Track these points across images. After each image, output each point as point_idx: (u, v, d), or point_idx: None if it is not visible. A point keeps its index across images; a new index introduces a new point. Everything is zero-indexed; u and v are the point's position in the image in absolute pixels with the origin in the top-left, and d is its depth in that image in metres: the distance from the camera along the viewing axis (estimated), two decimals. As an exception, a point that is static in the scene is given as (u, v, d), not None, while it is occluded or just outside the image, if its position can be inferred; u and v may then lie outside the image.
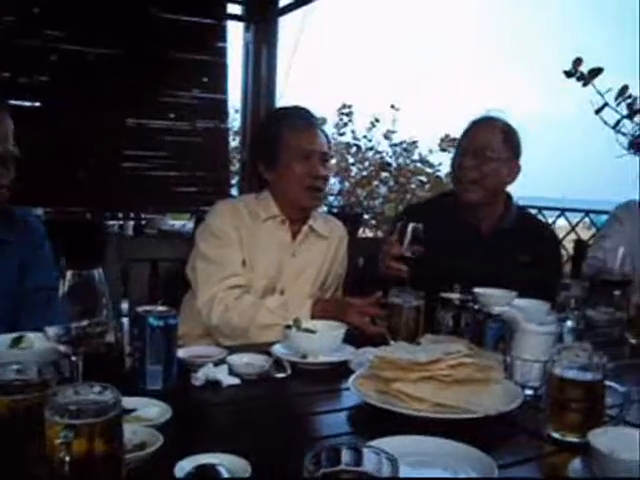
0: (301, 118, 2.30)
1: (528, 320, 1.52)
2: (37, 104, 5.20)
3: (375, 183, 8.79)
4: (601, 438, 1.08)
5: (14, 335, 1.58)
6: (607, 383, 1.28)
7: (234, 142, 7.39)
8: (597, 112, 4.03)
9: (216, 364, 1.57)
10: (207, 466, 1.03)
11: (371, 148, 8.87)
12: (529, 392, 1.47)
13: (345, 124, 8.94)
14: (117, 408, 0.89)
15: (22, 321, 1.82)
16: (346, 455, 0.80)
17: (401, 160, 8.90)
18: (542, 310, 1.75)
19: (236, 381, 1.53)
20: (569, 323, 1.80)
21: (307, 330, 1.78)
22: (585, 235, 5.27)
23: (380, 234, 8.04)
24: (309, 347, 1.71)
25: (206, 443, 1.15)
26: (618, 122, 4.09)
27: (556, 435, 1.27)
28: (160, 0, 5.46)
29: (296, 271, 2.27)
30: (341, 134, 8.92)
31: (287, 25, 6.12)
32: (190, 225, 6.61)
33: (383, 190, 8.80)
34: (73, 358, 1.22)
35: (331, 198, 8.64)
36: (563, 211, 6.11)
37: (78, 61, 5.19)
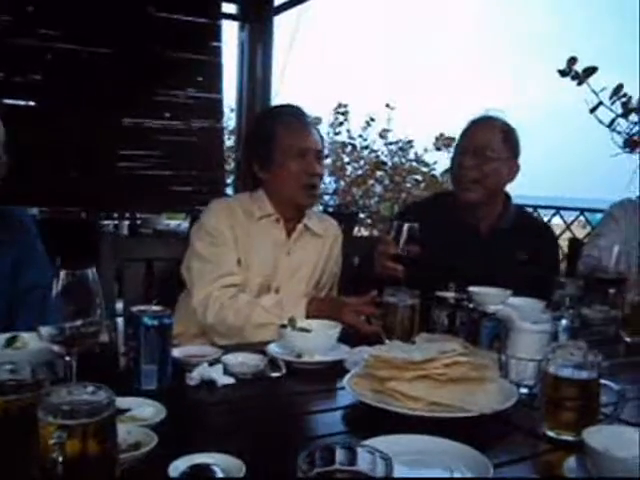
0: (294, 116, 2.31)
1: (523, 319, 1.52)
2: (31, 103, 5.18)
3: (370, 182, 8.78)
4: (596, 436, 1.08)
5: (8, 335, 1.57)
6: (602, 381, 1.28)
7: (229, 141, 7.39)
8: (592, 111, 4.04)
9: (211, 364, 1.57)
10: (201, 466, 1.03)
11: (366, 147, 8.87)
12: (524, 391, 1.47)
13: (341, 123, 8.94)
14: (111, 408, 0.89)
15: (16, 321, 1.82)
16: (340, 454, 0.80)
17: (396, 159, 8.90)
18: (537, 309, 1.76)
19: (231, 380, 1.53)
20: (564, 321, 1.80)
21: (302, 329, 1.78)
22: (580, 234, 5.28)
23: (376, 233, 8.03)
24: (304, 346, 1.71)
25: (201, 443, 1.15)
26: (613, 121, 4.09)
27: (551, 433, 1.27)
28: (154, -1, 5.46)
29: (291, 269, 2.27)
30: (337, 133, 8.92)
31: (282, 24, 6.12)
32: (185, 224, 6.62)
33: (378, 189, 8.79)
34: (67, 358, 1.22)
35: (326, 197, 8.64)
36: (558, 209, 6.12)
37: (73, 60, 5.17)
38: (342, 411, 1.41)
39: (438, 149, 8.62)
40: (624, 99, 4.03)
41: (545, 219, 5.70)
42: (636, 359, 1.93)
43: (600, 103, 4.02)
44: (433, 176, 8.67)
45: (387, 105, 8.76)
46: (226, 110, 6.44)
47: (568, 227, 5.97)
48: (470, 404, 1.30)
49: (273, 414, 1.42)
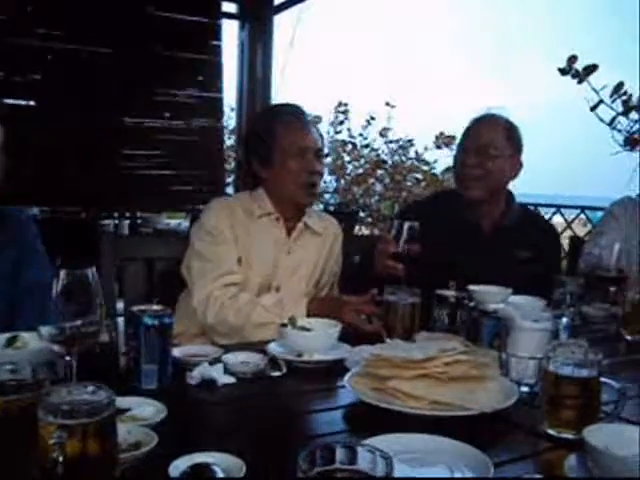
0: (294, 115, 2.31)
1: (523, 317, 1.52)
2: (32, 103, 5.18)
3: (371, 181, 8.77)
4: (596, 434, 1.08)
5: (8, 335, 1.57)
6: (602, 379, 1.28)
7: (229, 141, 7.38)
8: (592, 109, 4.04)
9: (211, 363, 1.57)
10: (202, 465, 1.02)
11: (367, 146, 8.86)
12: (525, 389, 1.47)
13: (341, 122, 8.93)
14: (111, 408, 0.89)
15: (16, 321, 1.82)
16: (340, 454, 0.80)
17: (397, 158, 8.89)
18: (537, 307, 1.76)
19: (231, 380, 1.53)
20: (564, 320, 1.80)
21: (302, 328, 1.78)
22: (581, 232, 5.27)
23: (376, 232, 8.03)
24: (304, 345, 1.71)
25: (201, 442, 1.15)
26: (613, 119, 4.09)
27: (552, 432, 1.27)
28: (155, -2, 5.45)
29: (291, 268, 2.27)
30: (337, 132, 8.92)
31: (282, 23, 6.11)
32: (186, 224, 6.61)
33: (379, 188, 8.78)
34: (67, 358, 1.22)
35: (327, 196, 8.64)
36: (559, 208, 6.11)
37: (73, 60, 5.17)
38: (342, 410, 1.41)
39: (438, 147, 8.61)
40: (625, 97, 4.03)
41: (546, 217, 5.70)
42: (637, 357, 1.92)
43: (600, 101, 4.02)
44: (434, 175, 8.67)
45: (387, 103, 8.75)
46: (226, 109, 6.45)
47: (569, 225, 5.97)
48: (471, 403, 1.30)
49: (273, 413, 1.42)
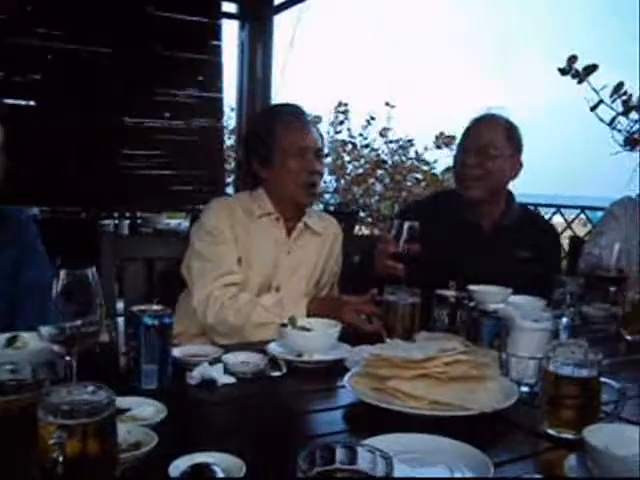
0: (294, 115, 2.31)
1: (524, 317, 1.52)
2: (32, 103, 5.18)
3: (371, 181, 8.78)
4: (596, 434, 1.08)
5: (8, 335, 1.57)
6: (602, 379, 1.28)
7: (229, 141, 7.38)
8: (592, 109, 4.04)
9: (211, 363, 1.57)
10: (202, 465, 1.02)
11: (367, 146, 8.86)
12: (525, 389, 1.47)
13: (341, 122, 8.93)
14: (111, 408, 0.89)
15: (16, 321, 1.82)
16: (340, 453, 0.80)
17: (397, 158, 8.90)
18: (538, 307, 1.76)
19: (231, 380, 1.53)
20: (565, 320, 1.80)
21: (302, 328, 1.78)
22: (581, 232, 5.27)
23: (376, 232, 8.03)
24: (304, 345, 1.71)
25: (201, 442, 1.15)
26: (613, 119, 4.09)
27: (552, 432, 1.27)
28: (155, -2, 5.45)
29: (291, 268, 2.27)
30: (337, 132, 8.92)
31: (282, 23, 6.12)
32: (186, 224, 6.61)
33: (379, 188, 8.79)
34: (67, 358, 1.22)
35: (327, 196, 8.65)
36: (559, 208, 6.11)
37: (73, 59, 5.17)
38: (342, 410, 1.41)
39: (438, 147, 8.61)
40: (624, 97, 4.03)
41: (546, 217, 5.70)
42: (637, 357, 1.92)
43: (600, 101, 4.02)
44: (434, 174, 8.67)
45: (387, 104, 8.76)
46: (226, 109, 6.45)
47: (569, 225, 5.97)
48: (470, 403, 1.30)
49: (273, 413, 1.42)
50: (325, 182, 8.29)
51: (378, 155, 8.87)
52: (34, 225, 2.12)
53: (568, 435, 1.24)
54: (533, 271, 2.26)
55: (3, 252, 1.95)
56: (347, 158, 8.93)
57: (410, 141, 8.87)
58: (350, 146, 8.88)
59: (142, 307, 1.49)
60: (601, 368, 1.28)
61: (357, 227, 7.77)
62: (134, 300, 2.06)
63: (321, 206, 7.95)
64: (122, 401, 1.22)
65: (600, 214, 3.43)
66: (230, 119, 7.31)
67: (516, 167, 2.46)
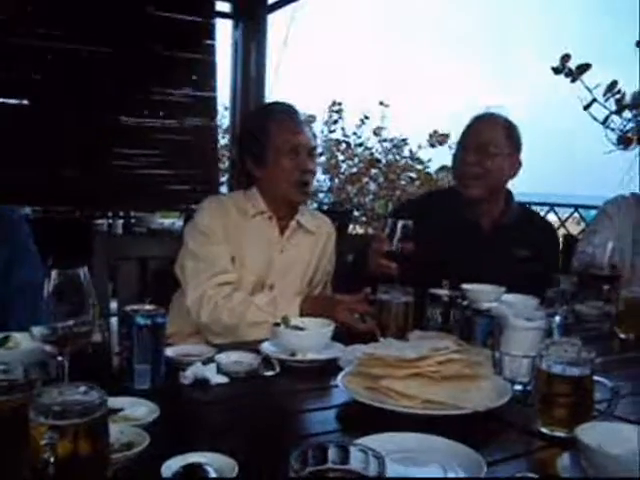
0: (287, 114, 2.30)
1: (517, 316, 1.52)
2: (26, 102, 5.17)
3: (365, 180, 8.78)
4: (589, 433, 1.08)
5: (0, 335, 1.57)
6: (595, 378, 1.28)
7: (223, 140, 7.37)
8: (585, 108, 4.04)
9: (204, 363, 1.56)
10: (194, 465, 1.02)
11: (361, 144, 8.87)
12: (518, 388, 1.47)
13: (335, 121, 8.94)
14: (103, 408, 0.89)
15: (8, 321, 1.81)
16: (333, 453, 0.79)
17: (391, 157, 8.91)
18: (531, 305, 1.76)
19: (225, 379, 1.52)
20: (558, 318, 1.80)
21: (296, 327, 1.78)
22: (575, 230, 5.29)
23: (370, 231, 8.04)
24: (298, 344, 1.71)
25: (194, 442, 1.14)
26: (607, 118, 4.09)
27: (545, 430, 1.27)
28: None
29: (284, 267, 2.27)
30: (331, 131, 8.92)
31: (276, 22, 6.11)
32: (179, 223, 6.59)
33: (373, 187, 8.80)
34: (59, 358, 1.21)
35: (321, 195, 8.65)
36: (552, 206, 6.13)
37: (68, 59, 5.16)
38: (336, 409, 1.41)
39: (432, 146, 8.63)
40: (618, 96, 4.04)
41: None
42: (630, 355, 1.93)
43: (594, 100, 4.03)
44: (427, 173, 8.68)
45: (381, 103, 8.76)
46: (220, 108, 6.45)
47: (563, 224, 5.99)
48: (464, 402, 1.30)
49: (266, 413, 1.42)
50: (319, 181, 8.29)
51: (372, 154, 8.87)
52: (26, 225, 2.11)
53: (561, 433, 1.24)
54: (532, 270, 2.26)
55: (-5, 251, 1.94)
56: (341, 157, 8.93)
57: (404, 140, 8.88)
58: (344, 145, 8.89)
59: (135, 307, 1.49)
60: (594, 366, 1.28)
61: (351, 226, 7.77)
62: (128, 300, 2.06)
63: (315, 205, 7.95)
64: (115, 401, 1.21)
65: (593, 213, 3.44)
66: (224, 118, 7.31)
67: (515, 166, 2.47)
